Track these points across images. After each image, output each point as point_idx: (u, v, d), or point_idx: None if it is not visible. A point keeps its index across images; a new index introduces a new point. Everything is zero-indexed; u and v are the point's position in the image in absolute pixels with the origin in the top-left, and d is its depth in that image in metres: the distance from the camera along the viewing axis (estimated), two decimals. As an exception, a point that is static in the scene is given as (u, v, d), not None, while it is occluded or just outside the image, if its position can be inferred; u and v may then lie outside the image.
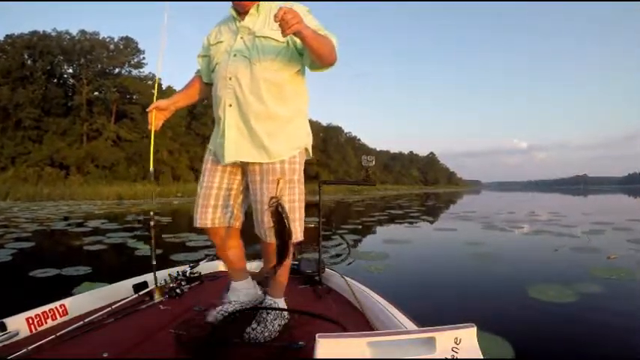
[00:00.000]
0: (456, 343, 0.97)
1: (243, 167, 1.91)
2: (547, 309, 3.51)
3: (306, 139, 1.95)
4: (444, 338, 0.96)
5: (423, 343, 0.97)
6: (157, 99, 2.02)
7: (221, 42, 1.88)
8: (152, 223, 2.08)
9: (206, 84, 2.09)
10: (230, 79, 1.79)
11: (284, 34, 1.43)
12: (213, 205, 1.94)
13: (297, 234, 1.82)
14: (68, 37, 43.65)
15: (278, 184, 1.61)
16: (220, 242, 2.03)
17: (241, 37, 1.81)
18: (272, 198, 1.56)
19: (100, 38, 44.24)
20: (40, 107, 39.33)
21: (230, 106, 1.81)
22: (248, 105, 1.77)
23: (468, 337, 0.98)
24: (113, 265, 5.74)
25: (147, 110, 1.99)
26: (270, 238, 1.75)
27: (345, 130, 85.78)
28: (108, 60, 43.92)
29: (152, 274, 2.37)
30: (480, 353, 0.97)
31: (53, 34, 43.08)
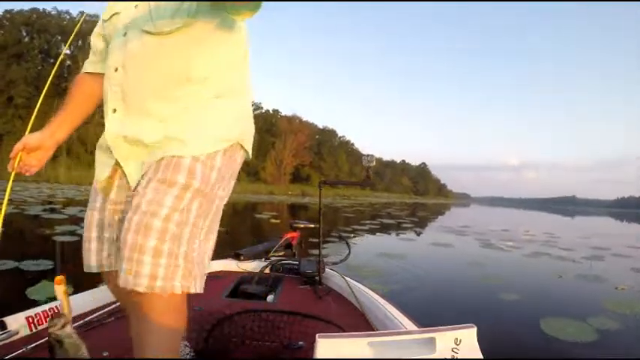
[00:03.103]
0: (456, 343, 0.95)
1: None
2: (569, 350, 3.15)
3: (236, 128, 1.25)
4: (444, 338, 0.95)
5: (423, 344, 0.96)
6: (30, 131, 1.32)
7: (117, 14, 1.27)
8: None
9: (92, 75, 1.38)
10: (116, 70, 1.20)
11: None
12: (96, 237, 1.26)
13: (176, 280, 1.09)
14: (68, 17, 43.21)
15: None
16: (122, 299, 1.37)
17: (135, 6, 1.22)
18: (52, 319, 1.03)
19: (100, 21, 43.84)
20: (33, 86, 38.69)
21: (114, 111, 1.21)
22: (141, 105, 1.17)
23: (468, 337, 0.96)
24: (79, 261, 5.13)
25: (10, 157, 1.27)
26: (135, 284, 1.05)
27: (339, 134, 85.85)
28: (106, 44, 43.49)
29: None
30: (480, 353, 0.96)
31: (53, 12, 42.62)
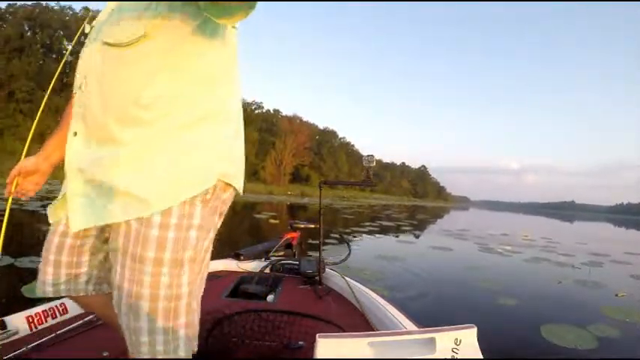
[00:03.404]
0: (456, 343, 0.95)
1: None
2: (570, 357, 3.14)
3: (220, 163, 1.03)
4: (445, 339, 0.95)
5: (423, 344, 0.96)
6: (26, 155, 1.23)
7: (95, 25, 1.14)
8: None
9: None
10: (80, 87, 1.05)
11: None
12: (54, 261, 1.13)
13: (180, 352, 1.00)
14: (70, 12, 43.25)
15: None
16: (102, 314, 1.30)
17: (111, 10, 1.06)
18: None
19: (103, 17, 44.09)
20: (34, 81, 38.68)
21: (75, 135, 1.05)
22: (102, 129, 0.99)
23: (468, 337, 0.96)
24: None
25: (7, 182, 1.21)
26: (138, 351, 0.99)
27: (340, 135, 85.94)
28: (108, 40, 43.67)
29: None
30: (480, 354, 0.95)
31: (56, 7, 42.69)
